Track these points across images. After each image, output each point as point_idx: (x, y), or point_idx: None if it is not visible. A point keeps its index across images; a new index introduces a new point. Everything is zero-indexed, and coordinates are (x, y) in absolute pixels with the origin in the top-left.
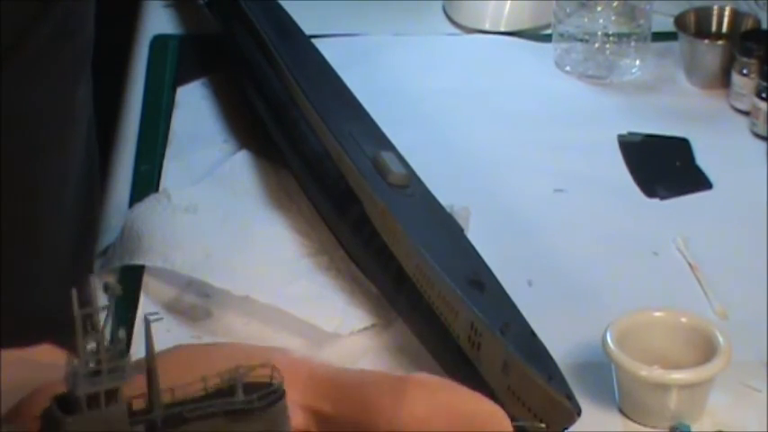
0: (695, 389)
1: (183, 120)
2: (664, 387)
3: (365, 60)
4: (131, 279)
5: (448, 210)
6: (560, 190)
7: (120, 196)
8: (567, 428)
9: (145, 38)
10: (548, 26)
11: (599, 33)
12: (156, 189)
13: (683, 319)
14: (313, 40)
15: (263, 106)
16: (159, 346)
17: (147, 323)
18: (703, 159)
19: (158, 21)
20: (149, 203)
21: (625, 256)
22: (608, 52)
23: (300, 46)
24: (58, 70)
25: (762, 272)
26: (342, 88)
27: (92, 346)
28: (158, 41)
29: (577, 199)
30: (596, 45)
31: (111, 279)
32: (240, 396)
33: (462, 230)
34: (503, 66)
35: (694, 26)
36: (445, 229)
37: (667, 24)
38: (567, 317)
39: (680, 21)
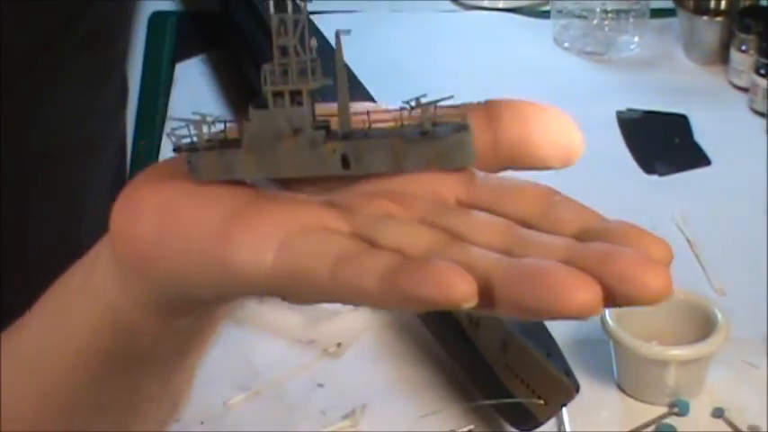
0: (693, 365)
1: (181, 96)
2: (662, 363)
3: (363, 37)
4: None
5: None
6: None
7: None
8: (565, 405)
9: (144, 14)
10: (546, 2)
11: (597, 9)
12: None
13: (682, 296)
14: (311, 17)
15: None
16: None
17: (338, 35)
18: (702, 136)
19: None
20: None
21: None
22: (606, 28)
23: None
24: (92, 72)
25: (760, 248)
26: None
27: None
28: (157, 18)
29: (576, 175)
30: (595, 21)
31: None
32: (427, 124)
33: None
34: (501, 42)
35: (693, 2)
36: None
37: (666, 1)
38: None
39: None
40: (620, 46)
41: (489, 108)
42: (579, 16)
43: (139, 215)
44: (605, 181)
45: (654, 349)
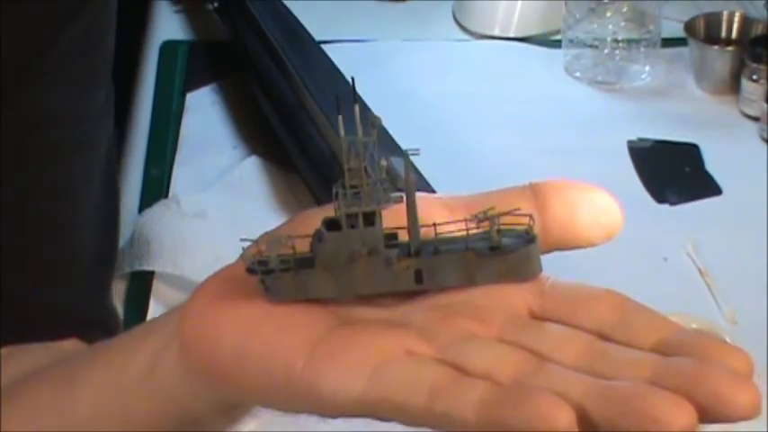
0: None
1: (192, 125)
2: None
3: (375, 66)
4: (141, 285)
5: None
6: None
7: (129, 201)
8: None
9: (155, 43)
10: (557, 32)
11: (608, 39)
12: (166, 194)
13: (693, 325)
14: (323, 46)
15: (272, 111)
16: None
17: (407, 155)
18: (713, 165)
19: (168, 26)
20: (159, 209)
21: (635, 262)
22: (617, 58)
23: (310, 51)
24: (87, 71)
25: None
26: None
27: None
28: (168, 47)
29: None
30: (606, 51)
31: (374, 116)
32: (495, 236)
33: None
34: (512, 71)
35: (704, 32)
36: None
37: (677, 30)
38: None
39: (689, 26)
40: (631, 75)
41: (536, 193)
42: (590, 46)
43: (218, 335)
44: None
45: None
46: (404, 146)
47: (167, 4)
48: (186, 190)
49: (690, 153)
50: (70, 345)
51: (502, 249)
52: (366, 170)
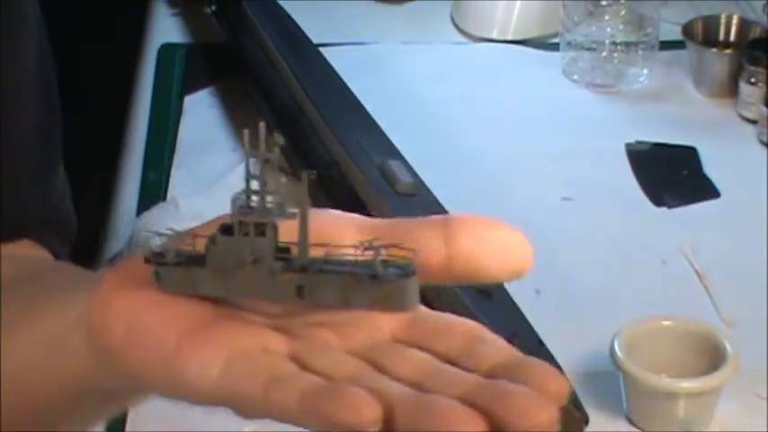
0: (703, 397)
1: (190, 128)
2: (672, 395)
3: (373, 69)
4: None
5: None
6: (568, 198)
7: (127, 204)
8: None
9: (152, 46)
10: (555, 35)
11: (607, 42)
12: (164, 198)
13: (691, 328)
14: (321, 49)
15: (270, 115)
16: None
17: (304, 176)
18: (711, 168)
19: (166, 29)
20: (157, 212)
21: (633, 265)
22: (616, 61)
23: (308, 54)
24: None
25: None
26: (349, 97)
27: (253, 186)
28: (166, 50)
29: (585, 207)
30: (604, 54)
31: (277, 134)
32: (377, 265)
33: None
34: (510, 74)
35: (702, 35)
36: None
37: (675, 33)
38: (575, 325)
39: (687, 29)
40: (629, 78)
41: (446, 225)
42: (588, 48)
43: (111, 322)
44: (614, 213)
45: (663, 381)
46: (401, 147)
47: (165, 8)
48: (184, 193)
49: (688, 156)
50: (24, 248)
51: (379, 279)
52: (265, 184)
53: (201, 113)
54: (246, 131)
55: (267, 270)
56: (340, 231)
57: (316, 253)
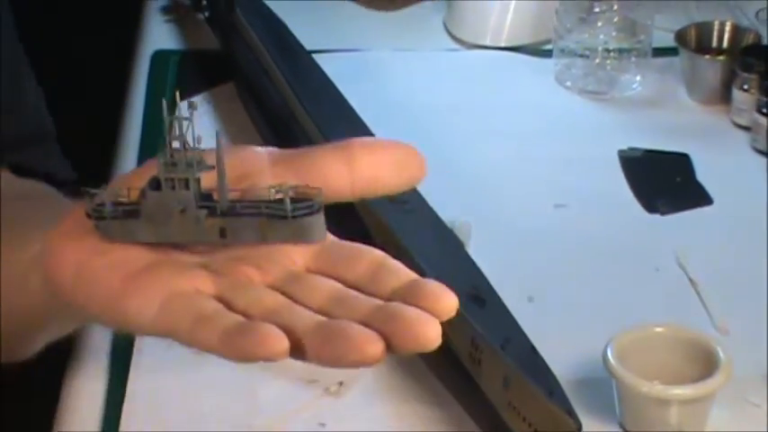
0: (696, 404)
1: None
2: (665, 402)
3: (366, 76)
4: None
5: (449, 225)
6: (561, 205)
7: None
8: None
9: (146, 53)
10: (548, 41)
11: (600, 49)
12: None
13: (684, 335)
14: (314, 56)
15: (263, 121)
16: (161, 360)
17: (218, 136)
18: (704, 175)
19: (159, 36)
20: None
21: (626, 272)
22: (609, 68)
23: (301, 61)
24: None
25: (762, 287)
26: (342, 103)
27: (176, 145)
28: (159, 56)
29: (578, 214)
30: (597, 60)
31: (195, 100)
32: (288, 206)
33: (463, 245)
34: (503, 81)
35: (695, 41)
36: (446, 244)
37: (668, 40)
38: (568, 332)
39: (680, 36)
40: (622, 85)
41: (347, 150)
42: (581, 55)
43: (63, 268)
44: (607, 219)
45: (656, 388)
46: None
47: (158, 14)
48: None
49: (681, 163)
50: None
51: (290, 217)
52: (185, 144)
53: (195, 119)
54: (164, 100)
55: (193, 218)
56: (257, 164)
57: (234, 195)
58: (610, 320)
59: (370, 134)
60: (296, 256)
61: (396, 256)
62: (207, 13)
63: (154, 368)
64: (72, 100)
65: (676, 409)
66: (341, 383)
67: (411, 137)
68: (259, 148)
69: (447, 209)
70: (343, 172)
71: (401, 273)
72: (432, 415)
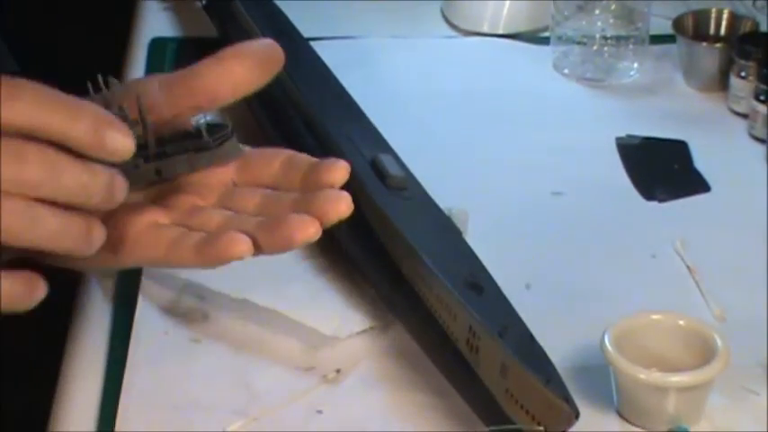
0: (694, 391)
1: None
2: (662, 390)
3: (363, 63)
4: (129, 282)
5: (446, 212)
6: (558, 193)
7: None
8: (565, 431)
9: (143, 40)
10: (546, 29)
11: (597, 36)
12: None
13: (682, 322)
14: (311, 43)
15: (260, 108)
16: (158, 348)
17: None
18: (702, 162)
19: (157, 23)
20: None
21: (623, 259)
22: (606, 55)
23: (298, 48)
24: None
25: (760, 275)
26: (340, 91)
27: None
28: (157, 44)
29: (576, 202)
30: (594, 47)
31: (113, 79)
32: (206, 137)
33: (460, 233)
34: (501, 68)
35: (692, 29)
36: (443, 232)
37: (665, 27)
38: (566, 320)
39: (678, 23)
40: (619, 72)
41: (223, 61)
42: (579, 43)
43: None
44: (604, 207)
45: (653, 376)
46: (391, 141)
47: (156, 2)
48: None
49: (678, 150)
50: None
51: (212, 147)
52: (120, 109)
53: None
54: (89, 84)
55: (132, 166)
56: (152, 96)
57: (160, 132)
58: (607, 308)
59: (367, 120)
60: (222, 176)
61: (393, 244)
62: (205, 1)
63: (150, 356)
64: (69, 88)
65: (674, 397)
66: (338, 371)
67: (408, 124)
68: (146, 79)
69: (444, 196)
70: (225, 80)
71: (304, 161)
72: (429, 402)
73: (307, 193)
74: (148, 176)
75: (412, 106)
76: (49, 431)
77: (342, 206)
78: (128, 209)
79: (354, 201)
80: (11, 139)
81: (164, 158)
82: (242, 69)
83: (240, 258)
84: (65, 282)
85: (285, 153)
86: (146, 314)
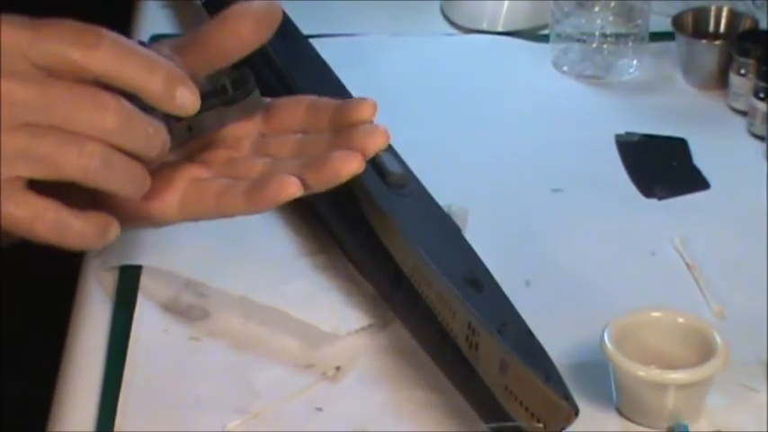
0: (693, 389)
1: None
2: (661, 387)
3: (363, 60)
4: (129, 279)
5: (445, 209)
6: (558, 190)
7: None
8: (564, 428)
9: (143, 37)
10: (545, 26)
11: (596, 33)
12: None
13: (681, 319)
14: (311, 40)
15: None
16: (157, 345)
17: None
18: (701, 159)
19: (156, 20)
20: None
21: (623, 256)
22: (605, 52)
23: (298, 45)
24: None
25: (759, 272)
26: (339, 88)
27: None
28: (156, 41)
29: (575, 199)
30: (594, 45)
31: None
32: (231, 91)
33: (460, 230)
34: (500, 66)
35: (692, 26)
36: (443, 229)
37: (665, 24)
38: (565, 317)
39: (677, 21)
40: (618, 70)
41: (228, 20)
42: (578, 40)
43: None
44: (604, 204)
45: (653, 373)
46: (392, 140)
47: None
48: None
49: (678, 147)
50: None
51: (235, 102)
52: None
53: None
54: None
55: (167, 126)
56: (163, 55)
57: None
58: (607, 305)
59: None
60: (249, 128)
61: (392, 241)
62: None
63: (150, 354)
64: None
65: (673, 394)
66: (338, 368)
67: (407, 121)
68: (156, 46)
69: (443, 193)
70: (232, 38)
71: (329, 104)
72: (428, 399)
73: (341, 132)
74: (181, 134)
75: (411, 103)
76: (48, 429)
77: (380, 138)
78: (167, 168)
79: (353, 198)
80: (90, 87)
81: (193, 116)
82: (245, 27)
83: (291, 198)
84: (65, 280)
85: (307, 99)
86: (145, 312)
